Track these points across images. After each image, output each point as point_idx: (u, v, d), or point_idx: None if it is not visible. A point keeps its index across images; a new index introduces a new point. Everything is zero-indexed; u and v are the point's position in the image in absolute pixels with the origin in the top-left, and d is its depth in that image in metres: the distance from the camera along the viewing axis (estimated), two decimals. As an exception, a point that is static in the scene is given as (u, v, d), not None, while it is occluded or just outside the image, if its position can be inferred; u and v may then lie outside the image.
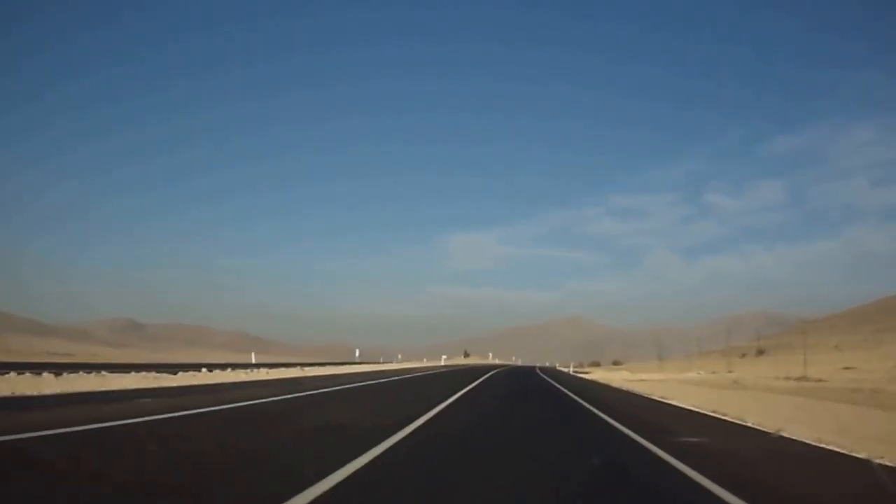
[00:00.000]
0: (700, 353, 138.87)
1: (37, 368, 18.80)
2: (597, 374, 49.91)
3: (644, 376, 45.58)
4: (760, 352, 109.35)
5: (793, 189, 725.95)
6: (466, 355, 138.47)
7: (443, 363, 76.84)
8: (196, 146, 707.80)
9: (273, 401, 13.84)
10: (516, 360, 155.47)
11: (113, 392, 13.71)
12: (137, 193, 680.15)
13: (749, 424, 12.09)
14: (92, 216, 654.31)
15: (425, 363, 76.04)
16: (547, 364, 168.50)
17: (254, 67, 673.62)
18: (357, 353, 67.58)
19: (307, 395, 16.05)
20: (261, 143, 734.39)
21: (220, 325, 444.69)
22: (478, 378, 31.16)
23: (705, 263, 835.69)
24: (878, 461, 7.42)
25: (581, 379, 41.72)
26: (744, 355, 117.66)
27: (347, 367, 43.53)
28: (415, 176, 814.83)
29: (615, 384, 32.02)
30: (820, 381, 35.60)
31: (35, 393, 12.40)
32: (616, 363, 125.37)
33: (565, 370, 72.00)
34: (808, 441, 9.45)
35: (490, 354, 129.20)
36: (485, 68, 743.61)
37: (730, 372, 51.78)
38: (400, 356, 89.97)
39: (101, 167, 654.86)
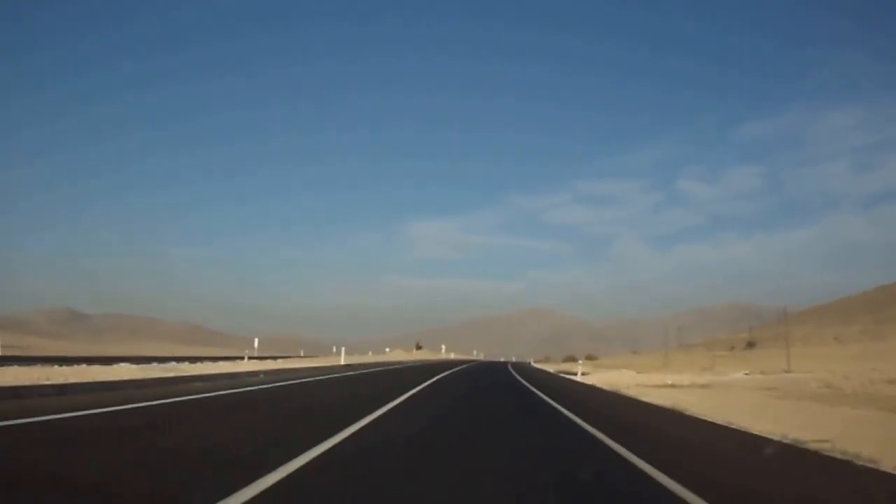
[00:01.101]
0: (680, 346, 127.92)
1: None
2: (595, 377, 36.05)
3: (661, 378, 32.33)
4: (751, 344, 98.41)
5: (769, 175, 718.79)
6: (418, 348, 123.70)
7: (388, 358, 63.45)
8: (144, 130, 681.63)
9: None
10: (478, 355, 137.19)
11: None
12: (82, 179, 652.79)
13: None
14: (35, 201, 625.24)
15: (370, 357, 63.00)
16: (513, 359, 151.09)
17: (207, 47, 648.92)
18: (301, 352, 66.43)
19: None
20: (212, 129, 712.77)
21: (167, 316, 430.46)
22: (409, 389, 17.02)
23: (676, 253, 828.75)
24: None
25: (589, 388, 27.85)
26: (732, 348, 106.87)
27: (293, 361, 38.44)
28: (374, 163, 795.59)
29: (647, 398, 18.44)
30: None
31: None
32: (590, 357, 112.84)
33: (550, 370, 58.70)
34: None
35: (443, 347, 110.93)
36: (449, 49, 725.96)
37: (788, 372, 38.07)
38: (335, 348, 77.11)
39: (42, 151, 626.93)
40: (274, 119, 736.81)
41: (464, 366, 50.56)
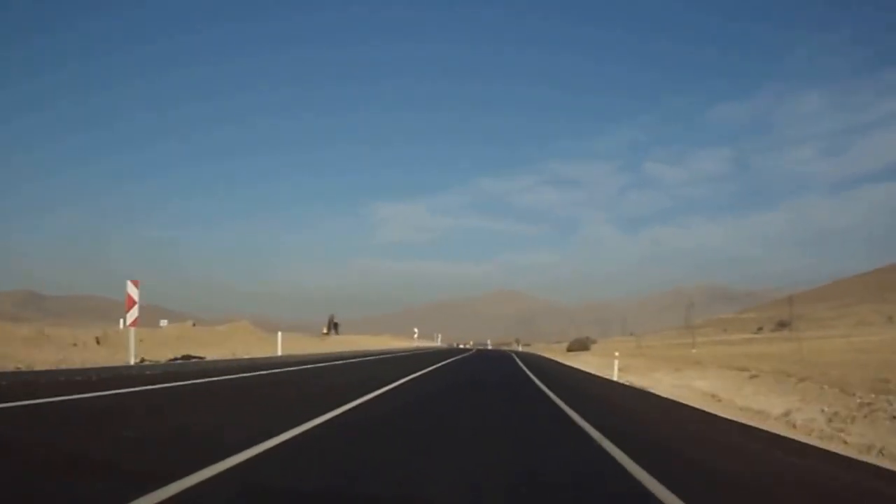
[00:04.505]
0: (687, 327, 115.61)
1: None
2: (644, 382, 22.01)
3: (718, 380, 18.06)
4: (782, 324, 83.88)
5: (737, 159, 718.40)
6: (330, 328, 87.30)
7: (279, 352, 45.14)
8: (130, 118, 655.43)
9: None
10: (438, 341, 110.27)
11: None
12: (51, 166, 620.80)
13: None
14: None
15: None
16: (490, 346, 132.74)
17: (184, 36, 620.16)
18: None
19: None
20: (175, 115, 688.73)
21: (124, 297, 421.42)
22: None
23: (645, 235, 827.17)
24: None
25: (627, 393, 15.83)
26: (760, 328, 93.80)
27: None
28: (340, 145, 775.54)
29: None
30: None
31: None
32: (563, 343, 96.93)
33: (547, 357, 45.04)
34: None
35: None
36: (416, 33, 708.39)
37: None
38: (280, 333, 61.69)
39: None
40: (250, 106, 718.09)
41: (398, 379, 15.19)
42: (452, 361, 28.97)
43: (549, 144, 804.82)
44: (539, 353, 63.16)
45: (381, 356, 31.44)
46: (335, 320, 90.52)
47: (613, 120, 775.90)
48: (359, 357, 28.73)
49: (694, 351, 42.66)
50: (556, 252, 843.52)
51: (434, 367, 21.85)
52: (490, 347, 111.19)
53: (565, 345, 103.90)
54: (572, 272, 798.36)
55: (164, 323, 40.81)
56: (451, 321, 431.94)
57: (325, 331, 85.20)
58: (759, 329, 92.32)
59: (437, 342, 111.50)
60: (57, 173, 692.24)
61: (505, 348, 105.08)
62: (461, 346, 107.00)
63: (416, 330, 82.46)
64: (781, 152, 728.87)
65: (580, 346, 68.24)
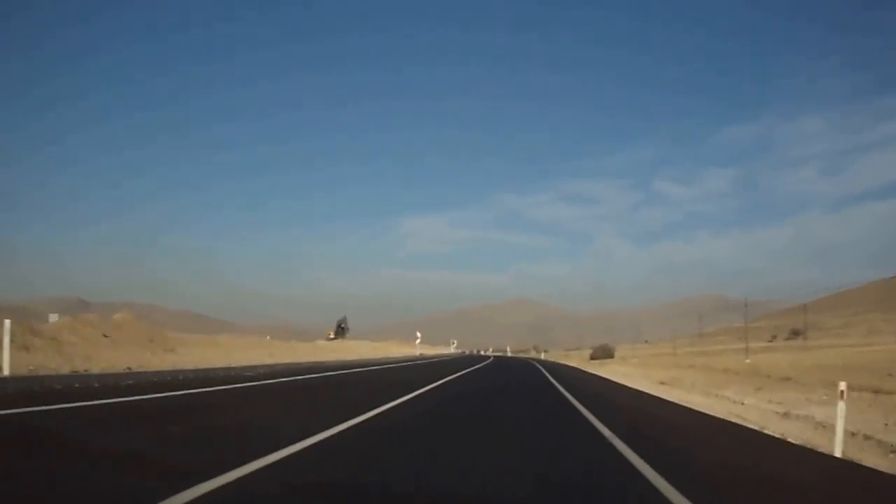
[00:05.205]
0: (700, 335, 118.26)
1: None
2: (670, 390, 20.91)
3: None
4: (795, 332, 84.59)
5: (743, 177, 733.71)
6: (339, 331, 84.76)
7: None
8: (156, 140, 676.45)
9: None
10: (452, 348, 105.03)
11: None
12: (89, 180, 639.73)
13: None
14: (34, 195, 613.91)
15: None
16: (510, 354, 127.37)
17: (221, 61, 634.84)
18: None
19: None
20: (223, 135, 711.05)
21: (166, 304, 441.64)
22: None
23: (654, 249, 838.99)
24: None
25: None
26: (774, 337, 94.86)
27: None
28: (370, 162, 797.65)
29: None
30: None
31: None
32: (581, 351, 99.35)
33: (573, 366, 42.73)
34: None
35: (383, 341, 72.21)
36: (440, 52, 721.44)
37: None
38: (268, 337, 62.33)
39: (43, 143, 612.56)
40: (279, 125, 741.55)
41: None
42: (451, 384, 18.22)
43: (565, 162, 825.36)
44: (559, 362, 59.57)
45: (355, 370, 24.87)
46: (343, 325, 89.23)
47: (626, 140, 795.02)
48: (319, 372, 21.91)
49: (748, 361, 37.46)
50: (569, 263, 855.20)
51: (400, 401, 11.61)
52: (510, 354, 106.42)
53: (583, 352, 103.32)
54: (585, 283, 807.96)
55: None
56: (469, 328, 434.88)
57: (331, 335, 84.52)
58: (773, 337, 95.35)
59: (452, 349, 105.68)
60: (103, 186, 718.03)
61: (523, 356, 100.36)
62: (482, 353, 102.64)
63: (418, 334, 64.43)
64: (785, 171, 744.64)
65: (604, 353, 66.59)
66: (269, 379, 16.91)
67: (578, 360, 64.84)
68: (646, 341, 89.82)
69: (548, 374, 28.03)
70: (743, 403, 16.77)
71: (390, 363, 35.63)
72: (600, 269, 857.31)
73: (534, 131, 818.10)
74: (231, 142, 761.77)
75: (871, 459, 8.22)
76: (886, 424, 11.65)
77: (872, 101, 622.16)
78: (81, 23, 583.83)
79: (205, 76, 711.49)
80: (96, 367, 17.31)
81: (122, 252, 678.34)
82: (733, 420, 11.99)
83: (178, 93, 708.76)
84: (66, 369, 16.44)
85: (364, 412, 8.98)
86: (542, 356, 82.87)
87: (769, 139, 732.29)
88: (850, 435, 9.53)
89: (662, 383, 25.58)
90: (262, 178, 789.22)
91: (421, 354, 56.67)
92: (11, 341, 14.34)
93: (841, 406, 8.81)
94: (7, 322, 13.98)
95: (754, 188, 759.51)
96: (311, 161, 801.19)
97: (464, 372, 26.69)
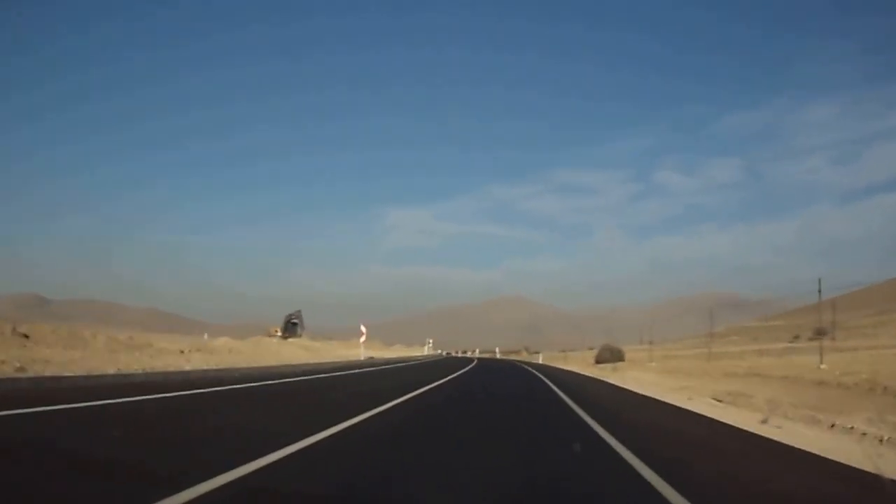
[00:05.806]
0: (712, 336, 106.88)
1: None
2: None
3: None
4: (820, 332, 75.85)
5: (748, 168, 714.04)
6: (291, 327, 68.28)
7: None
8: (136, 125, 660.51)
9: None
10: (426, 350, 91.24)
11: None
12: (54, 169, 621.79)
13: None
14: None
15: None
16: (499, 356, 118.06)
17: (188, 45, 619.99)
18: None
19: None
20: (202, 123, 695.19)
21: (132, 302, 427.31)
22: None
23: (653, 243, 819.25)
24: None
25: None
26: (796, 337, 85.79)
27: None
28: (352, 151, 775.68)
29: None
30: None
31: None
32: (576, 352, 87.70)
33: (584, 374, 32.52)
34: None
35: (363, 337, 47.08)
36: (430, 39, 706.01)
37: None
38: (206, 336, 50.72)
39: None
40: (259, 115, 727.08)
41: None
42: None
43: (560, 151, 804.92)
44: (558, 367, 47.87)
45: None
46: (293, 320, 69.50)
47: (625, 128, 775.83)
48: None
49: (824, 366, 27.01)
50: (563, 259, 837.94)
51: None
52: (499, 357, 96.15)
53: (581, 353, 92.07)
54: (580, 280, 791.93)
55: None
56: (456, 328, 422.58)
57: (276, 332, 65.43)
58: (796, 338, 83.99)
59: (426, 350, 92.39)
60: (62, 177, 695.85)
61: (514, 357, 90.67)
62: (466, 356, 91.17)
63: (363, 328, 45.26)
64: (792, 161, 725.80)
65: (612, 356, 54.62)
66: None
67: (580, 364, 53.46)
68: (650, 342, 79.56)
69: (562, 394, 15.77)
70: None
71: (275, 377, 17.25)
72: (596, 265, 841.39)
73: (527, 119, 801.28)
74: (206, 130, 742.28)
75: None
76: None
77: (885, 86, 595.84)
78: (37, 6, 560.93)
79: (171, 61, 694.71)
80: None
81: (85, 247, 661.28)
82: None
83: (143, 80, 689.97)
84: None
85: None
86: (540, 359, 68.78)
87: (776, 128, 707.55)
88: None
89: (717, 400, 15.75)
90: (238, 169, 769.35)
91: (368, 358, 41.39)
92: None
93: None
94: None
95: (760, 179, 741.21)
96: (288, 152, 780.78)
97: (390, 404, 10.79)
